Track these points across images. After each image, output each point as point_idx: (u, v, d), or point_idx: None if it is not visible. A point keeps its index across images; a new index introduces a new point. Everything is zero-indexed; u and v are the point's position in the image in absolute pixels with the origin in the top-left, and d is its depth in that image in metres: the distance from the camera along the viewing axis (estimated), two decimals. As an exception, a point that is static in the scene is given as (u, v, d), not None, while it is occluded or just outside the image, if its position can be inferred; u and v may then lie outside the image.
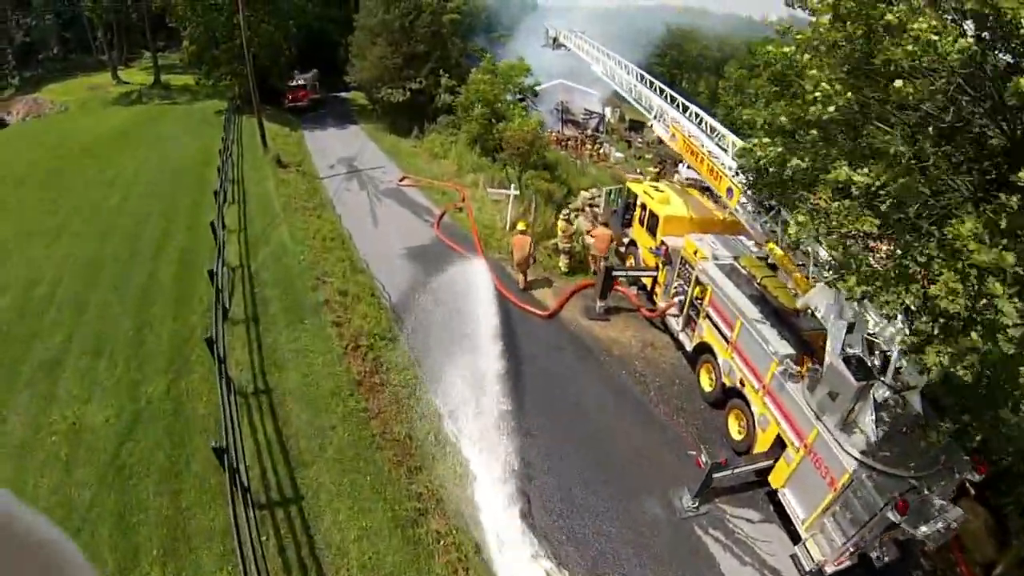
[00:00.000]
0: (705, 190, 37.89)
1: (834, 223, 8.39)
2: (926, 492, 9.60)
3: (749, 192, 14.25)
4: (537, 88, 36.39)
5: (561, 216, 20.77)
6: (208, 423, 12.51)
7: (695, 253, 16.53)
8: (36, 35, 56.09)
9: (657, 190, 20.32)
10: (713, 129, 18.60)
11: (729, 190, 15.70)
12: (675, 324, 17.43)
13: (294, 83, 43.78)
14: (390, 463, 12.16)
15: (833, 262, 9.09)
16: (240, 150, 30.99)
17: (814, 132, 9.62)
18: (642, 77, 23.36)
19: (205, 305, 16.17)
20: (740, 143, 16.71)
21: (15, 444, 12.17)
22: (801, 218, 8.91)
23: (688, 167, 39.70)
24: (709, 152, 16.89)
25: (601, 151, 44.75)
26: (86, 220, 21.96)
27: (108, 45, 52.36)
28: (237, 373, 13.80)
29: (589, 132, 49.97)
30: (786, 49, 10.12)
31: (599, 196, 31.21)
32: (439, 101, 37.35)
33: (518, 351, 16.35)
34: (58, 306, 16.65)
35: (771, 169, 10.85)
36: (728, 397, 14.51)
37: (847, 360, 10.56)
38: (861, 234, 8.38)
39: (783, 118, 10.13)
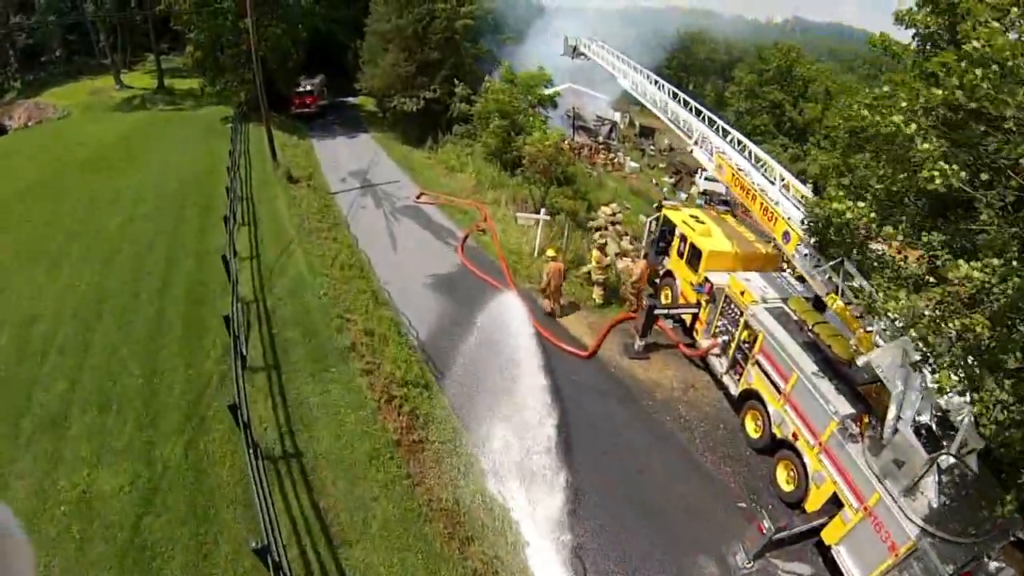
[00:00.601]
0: (723, 203, 37.25)
1: (937, 316, 8.04)
2: (984, 558, 9.65)
3: (812, 241, 13.49)
4: (556, 98, 34.93)
5: (595, 246, 19.53)
6: (235, 492, 11.33)
7: (742, 294, 15.75)
8: (39, 37, 54.85)
9: (697, 220, 19.09)
10: (758, 159, 17.53)
11: (786, 234, 14.69)
12: (718, 365, 16.66)
13: (301, 89, 42.33)
14: (441, 537, 11.13)
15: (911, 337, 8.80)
16: (248, 163, 29.62)
17: (914, 202, 8.95)
18: (675, 95, 22.22)
19: (219, 349, 14.88)
20: (797, 184, 15.79)
21: (22, 515, 11.00)
22: (902, 298, 8.59)
23: (705, 178, 38.92)
24: (762, 190, 15.77)
25: (615, 160, 43.49)
26: (88, 245, 20.56)
27: (111, 48, 51.01)
28: (261, 431, 12.55)
29: (601, 139, 48.79)
30: (896, 118, 9.02)
31: (619, 212, 30.09)
32: (454, 110, 36.02)
33: (560, 397, 15.23)
34: (59, 347, 15.34)
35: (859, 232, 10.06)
36: (777, 446, 13.91)
37: (917, 431, 10.52)
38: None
39: (878, 184, 9.46)
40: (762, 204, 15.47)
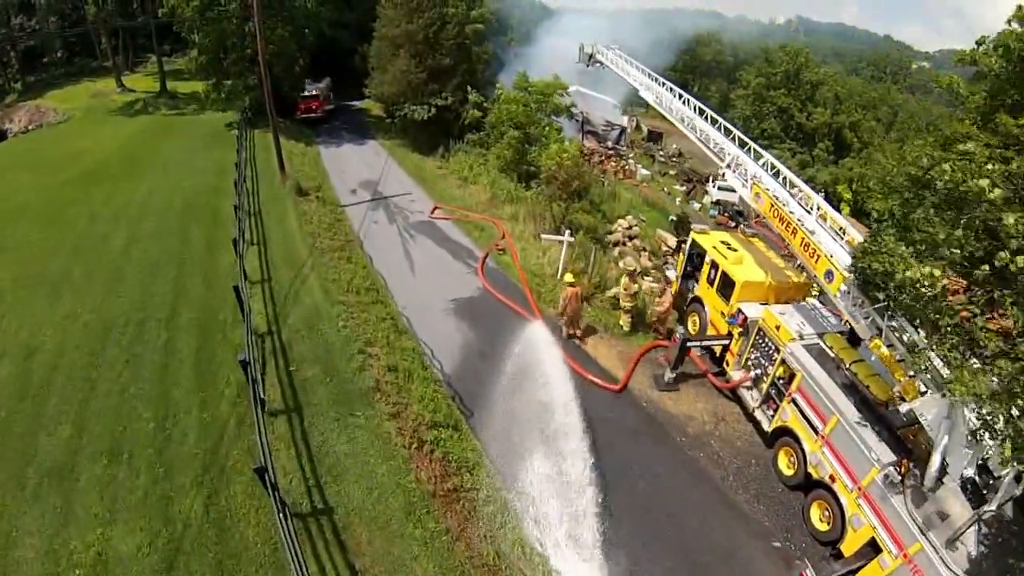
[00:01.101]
0: (738, 213, 36.51)
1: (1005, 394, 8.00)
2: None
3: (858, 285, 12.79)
4: (572, 109, 34.07)
5: (624, 273, 18.79)
6: (263, 554, 10.53)
7: (777, 328, 15.25)
8: (40, 39, 53.82)
9: (729, 247, 18.29)
10: (792, 184, 16.82)
11: (829, 273, 13.97)
12: (749, 399, 16.20)
13: (307, 93, 41.35)
14: (486, 597, 10.35)
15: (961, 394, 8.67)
16: (255, 174, 28.74)
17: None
18: (701, 111, 21.49)
19: (234, 388, 14.04)
20: (833, 214, 15.06)
21: (35, 580, 10.08)
22: (967, 379, 8.41)
23: (719, 187, 38.10)
24: (802, 223, 15.04)
25: (627, 168, 42.70)
26: (90, 268, 19.49)
27: (112, 51, 50.01)
28: (286, 484, 11.75)
29: (610, 144, 48.03)
30: (983, 183, 8.36)
31: (635, 225, 29.34)
32: (467, 118, 35.12)
33: (593, 435, 14.60)
34: (63, 385, 14.34)
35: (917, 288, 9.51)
36: (811, 485, 13.61)
37: (963, 485, 10.59)
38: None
39: (952, 248, 8.78)
40: (803, 239, 14.75)
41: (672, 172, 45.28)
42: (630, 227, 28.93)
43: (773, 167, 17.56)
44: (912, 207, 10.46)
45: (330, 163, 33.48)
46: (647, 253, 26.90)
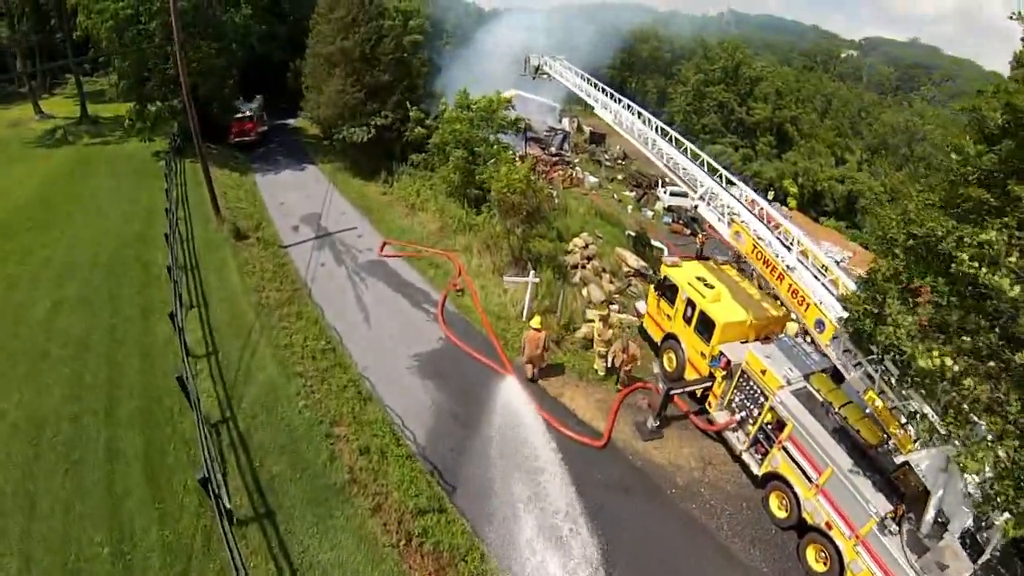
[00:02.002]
0: (692, 220, 36.27)
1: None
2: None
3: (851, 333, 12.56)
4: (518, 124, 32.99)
5: (597, 318, 18.11)
6: None
7: (763, 372, 15.00)
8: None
9: (705, 283, 17.78)
10: (774, 223, 16.37)
11: (819, 323, 13.63)
12: (735, 441, 16.00)
13: (239, 115, 39.00)
14: None
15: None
16: (188, 215, 26.79)
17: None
18: (663, 132, 20.94)
19: (194, 496, 12.68)
20: (815, 251, 14.75)
21: None
22: (980, 455, 8.42)
23: (670, 193, 37.85)
24: (789, 268, 14.61)
25: (574, 176, 42.00)
26: (11, 348, 17.35)
27: (28, 75, 46.01)
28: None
29: (554, 151, 47.25)
30: (1004, 283, 8.07)
31: (591, 243, 28.73)
32: (409, 135, 33.64)
33: (585, 501, 14.19)
34: (-1, 506, 12.69)
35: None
36: (806, 528, 13.61)
37: (962, 539, 10.67)
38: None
39: (964, 338, 8.73)
40: (791, 286, 14.34)
41: (620, 177, 44.82)
42: (586, 245, 28.28)
43: (751, 200, 17.11)
44: (918, 271, 10.04)
45: (268, 194, 31.62)
46: (608, 275, 26.29)
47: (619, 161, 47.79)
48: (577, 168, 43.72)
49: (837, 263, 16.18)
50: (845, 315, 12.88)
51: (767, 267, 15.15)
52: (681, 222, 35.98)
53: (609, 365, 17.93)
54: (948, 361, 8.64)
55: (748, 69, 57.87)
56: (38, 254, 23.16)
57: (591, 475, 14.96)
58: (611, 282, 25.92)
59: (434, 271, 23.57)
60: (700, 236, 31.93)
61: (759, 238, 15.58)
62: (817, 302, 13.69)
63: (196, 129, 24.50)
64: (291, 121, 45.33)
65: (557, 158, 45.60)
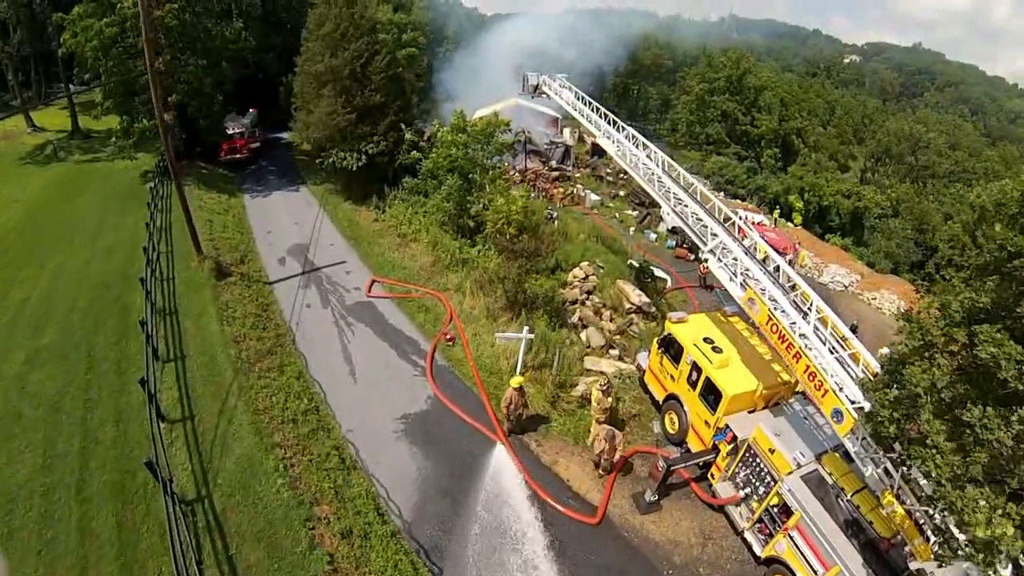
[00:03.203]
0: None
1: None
2: None
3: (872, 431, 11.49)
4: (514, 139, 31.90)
5: (596, 387, 17.09)
6: None
7: (771, 451, 14.06)
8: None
9: (713, 346, 16.69)
10: (790, 283, 15.30)
11: (838, 412, 12.61)
12: (738, 517, 15.14)
13: (230, 131, 37.96)
14: None
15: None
16: (171, 248, 25.84)
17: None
18: (669, 166, 19.93)
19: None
20: (835, 321, 13.74)
21: None
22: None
23: (669, 213, 36.62)
24: (807, 347, 13.54)
25: (575, 194, 40.89)
26: (-20, 411, 16.67)
27: (20, 85, 45.25)
28: None
29: (555, 164, 46.09)
30: None
31: (592, 275, 27.71)
32: (401, 159, 32.56)
33: None
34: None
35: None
36: None
37: None
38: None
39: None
40: (808, 368, 13.27)
41: (622, 193, 43.65)
42: (586, 277, 27.26)
43: (777, 268, 15.92)
44: (966, 392, 8.94)
45: (256, 220, 30.69)
46: (608, 310, 25.28)
47: (621, 176, 46.47)
48: (578, 185, 42.58)
49: (854, 328, 15.26)
50: (866, 406, 11.90)
51: (782, 342, 14.09)
52: (685, 246, 34.77)
53: (594, 455, 16.46)
54: (1010, 530, 7.60)
55: (753, 79, 56.54)
56: (17, 293, 22.43)
57: (584, 557, 14.09)
58: (611, 319, 24.93)
59: (423, 315, 22.57)
60: (703, 265, 30.74)
61: (774, 303, 14.51)
62: (836, 387, 12.65)
63: (173, 163, 23.56)
64: (285, 135, 44.26)
65: (558, 172, 44.51)
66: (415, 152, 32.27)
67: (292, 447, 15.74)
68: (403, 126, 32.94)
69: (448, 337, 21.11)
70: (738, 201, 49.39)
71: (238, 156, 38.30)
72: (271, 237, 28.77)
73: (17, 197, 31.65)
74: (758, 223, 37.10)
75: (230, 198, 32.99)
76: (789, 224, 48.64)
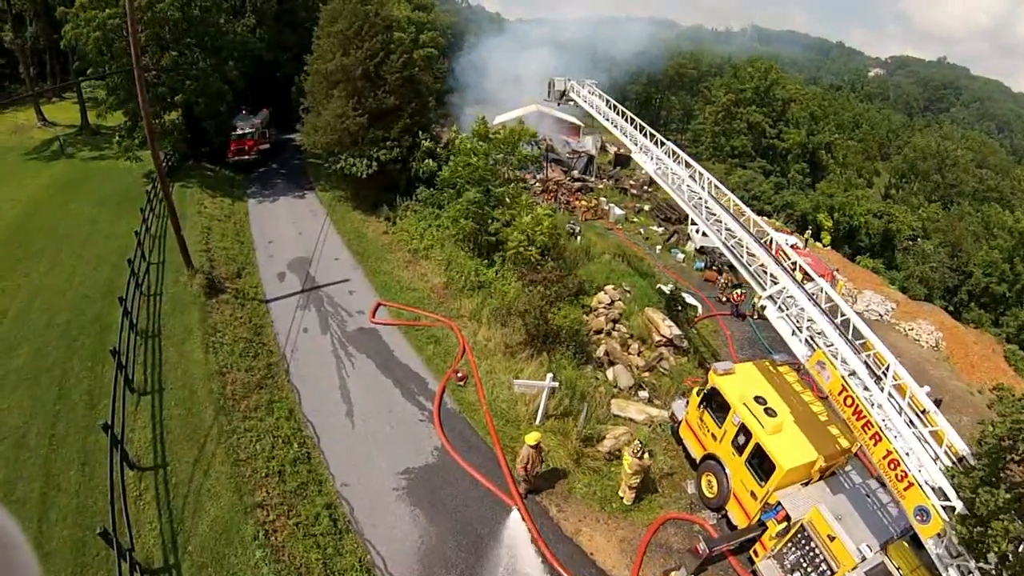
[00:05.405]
0: (731, 267, 32.77)
1: None
2: None
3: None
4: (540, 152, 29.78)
5: (628, 452, 14.85)
6: None
7: (830, 538, 12.08)
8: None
9: (765, 408, 14.37)
10: (862, 341, 13.08)
11: (923, 510, 10.39)
12: None
13: (239, 132, 36.13)
14: None
15: None
16: (162, 258, 23.91)
17: None
18: (717, 189, 17.88)
19: None
20: (915, 390, 11.54)
21: None
22: None
23: (703, 233, 34.23)
24: (886, 426, 11.34)
25: (599, 207, 38.57)
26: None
27: (32, 78, 44.05)
28: None
29: (577, 174, 43.83)
30: None
31: (619, 299, 25.47)
32: (416, 168, 30.47)
33: None
34: None
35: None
36: None
37: None
38: None
39: None
40: (889, 454, 11.04)
41: (647, 207, 41.30)
42: (612, 302, 25.03)
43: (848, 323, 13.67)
44: None
45: (258, 229, 28.78)
46: (636, 343, 23.04)
47: (645, 188, 44.20)
48: (602, 198, 40.31)
49: (938, 403, 13.08)
50: (959, 505, 9.75)
51: (858, 419, 11.88)
52: (715, 268, 32.34)
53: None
54: None
55: (781, 90, 54.05)
56: (-2, 305, 20.47)
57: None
58: (639, 352, 22.71)
59: (433, 348, 20.38)
60: (737, 292, 28.39)
61: (846, 368, 12.30)
62: (922, 481, 10.44)
63: (160, 168, 21.73)
64: (297, 136, 42.46)
65: (580, 184, 42.30)
66: (430, 160, 30.19)
67: (276, 507, 13.65)
68: (419, 131, 30.80)
69: (460, 376, 18.92)
70: (764, 218, 46.99)
71: (247, 157, 36.57)
72: (272, 248, 26.82)
73: (14, 197, 29.90)
74: (792, 245, 34.69)
75: (233, 203, 31.10)
76: (818, 244, 46.14)
